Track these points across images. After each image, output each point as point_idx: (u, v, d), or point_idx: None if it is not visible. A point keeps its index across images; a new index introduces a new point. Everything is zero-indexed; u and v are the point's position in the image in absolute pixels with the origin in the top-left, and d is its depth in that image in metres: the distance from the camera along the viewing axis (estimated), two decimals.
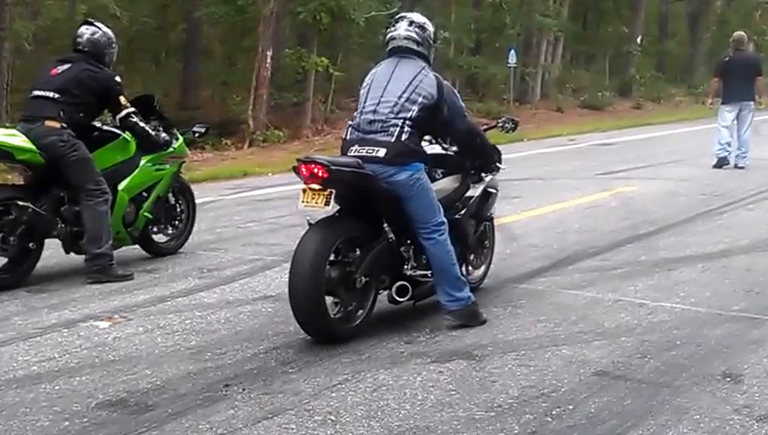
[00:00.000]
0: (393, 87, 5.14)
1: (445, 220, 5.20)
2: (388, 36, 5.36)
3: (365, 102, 5.20)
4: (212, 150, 16.85)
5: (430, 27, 5.41)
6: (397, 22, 5.41)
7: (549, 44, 30.84)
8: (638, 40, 34.47)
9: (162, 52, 26.33)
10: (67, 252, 6.71)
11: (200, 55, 23.90)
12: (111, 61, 6.93)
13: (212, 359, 4.72)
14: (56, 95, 6.45)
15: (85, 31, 6.79)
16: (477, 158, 5.78)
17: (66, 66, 6.61)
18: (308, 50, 20.31)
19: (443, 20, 24.76)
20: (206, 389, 4.27)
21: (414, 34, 5.30)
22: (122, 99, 6.74)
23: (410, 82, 5.12)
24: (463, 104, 5.46)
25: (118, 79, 6.79)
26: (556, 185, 11.84)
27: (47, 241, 6.56)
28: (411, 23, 5.35)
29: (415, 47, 5.29)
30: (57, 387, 4.31)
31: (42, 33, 19.48)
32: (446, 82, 5.32)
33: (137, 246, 7.27)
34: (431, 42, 5.39)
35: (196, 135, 7.96)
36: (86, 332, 5.23)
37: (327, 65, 20.02)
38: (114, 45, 6.92)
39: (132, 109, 6.81)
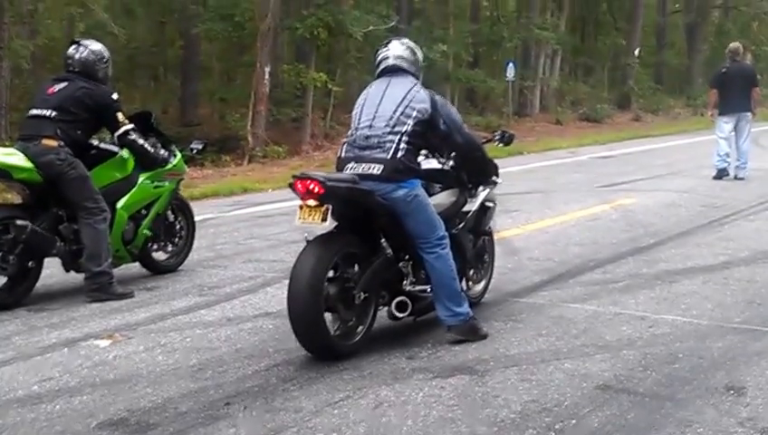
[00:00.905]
0: (387, 103, 5.16)
1: (446, 234, 5.20)
2: (380, 57, 5.44)
3: (359, 119, 5.23)
4: (212, 167, 16.86)
5: (419, 52, 5.53)
6: (387, 44, 5.50)
7: (547, 57, 30.97)
8: (636, 52, 34.58)
9: (160, 68, 26.39)
10: (67, 270, 6.69)
11: (199, 72, 23.95)
12: (106, 76, 6.90)
13: (213, 377, 4.71)
14: (53, 113, 6.45)
15: (73, 52, 6.77)
16: (476, 171, 5.78)
17: (63, 84, 6.61)
18: (306, 65, 20.37)
19: (441, 34, 24.85)
20: (207, 407, 4.25)
21: (405, 54, 5.38)
22: (120, 115, 6.73)
23: (404, 97, 5.15)
24: (459, 118, 5.46)
25: (115, 96, 6.78)
26: (557, 198, 11.82)
27: (47, 260, 6.54)
28: (402, 44, 5.45)
29: (406, 66, 5.35)
30: (57, 407, 4.30)
31: (40, 52, 19.53)
32: (439, 97, 5.33)
33: (137, 264, 7.25)
34: (420, 64, 5.48)
35: (194, 151, 7.95)
36: (86, 351, 5.22)
37: (325, 81, 20.07)
38: (105, 60, 6.86)
39: (131, 126, 6.79)
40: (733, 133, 13.71)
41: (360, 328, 5.06)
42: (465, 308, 5.28)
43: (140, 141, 6.85)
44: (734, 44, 14.60)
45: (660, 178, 13.87)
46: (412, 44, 5.51)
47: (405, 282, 5.26)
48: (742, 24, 39.88)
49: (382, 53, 5.43)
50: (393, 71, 5.34)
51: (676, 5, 42.52)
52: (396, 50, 5.40)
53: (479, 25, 30.21)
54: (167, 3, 22.90)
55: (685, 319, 5.70)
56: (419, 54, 5.51)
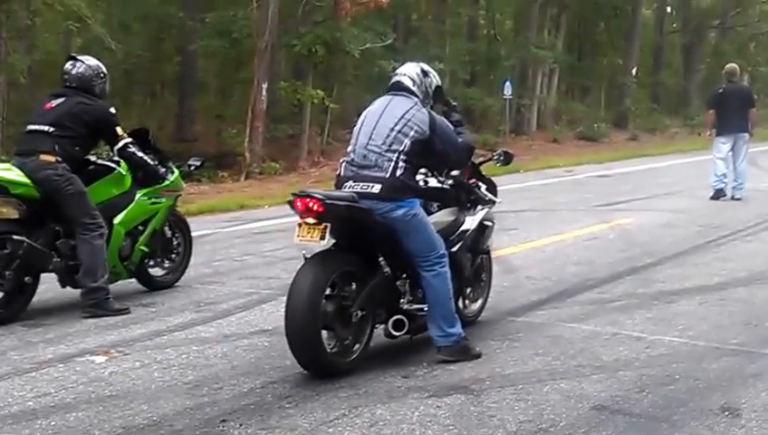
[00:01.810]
0: (386, 121, 5.19)
1: (446, 253, 5.21)
2: (393, 73, 5.51)
3: (358, 137, 5.25)
4: (208, 183, 16.86)
5: (435, 79, 5.52)
6: (408, 62, 5.58)
7: (544, 76, 31.05)
8: (633, 71, 34.68)
9: (157, 84, 26.41)
10: (63, 286, 6.67)
11: (196, 88, 23.97)
12: (104, 91, 6.89)
13: (209, 394, 4.69)
14: (51, 129, 6.45)
15: (70, 67, 6.77)
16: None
17: (60, 100, 6.61)
18: (303, 82, 20.42)
19: (438, 52, 24.93)
20: (202, 424, 4.24)
21: (414, 76, 5.41)
22: (119, 129, 6.73)
23: (402, 116, 5.17)
24: (452, 132, 5.46)
25: (112, 110, 6.78)
26: (554, 216, 11.85)
27: (43, 275, 6.53)
28: (419, 66, 5.49)
29: (410, 84, 5.36)
30: (53, 423, 4.28)
31: (37, 67, 19.54)
32: (439, 118, 5.34)
33: (133, 280, 7.24)
34: (430, 90, 5.46)
35: (192, 168, 7.95)
36: (82, 367, 5.20)
37: (322, 97, 20.11)
38: (103, 75, 6.86)
39: (129, 139, 6.80)
40: (730, 154, 13.74)
41: (357, 346, 5.06)
42: (458, 329, 5.27)
43: (140, 154, 6.86)
44: (731, 65, 14.64)
45: (657, 198, 13.90)
46: (425, 69, 5.52)
47: (402, 300, 5.25)
48: (739, 45, 40.09)
49: (396, 70, 5.52)
50: (397, 89, 5.37)
51: (674, 25, 42.74)
52: (405, 70, 5.45)
53: (476, 44, 30.33)
54: (165, 19, 22.95)
55: (681, 340, 5.69)
56: (433, 79, 5.50)
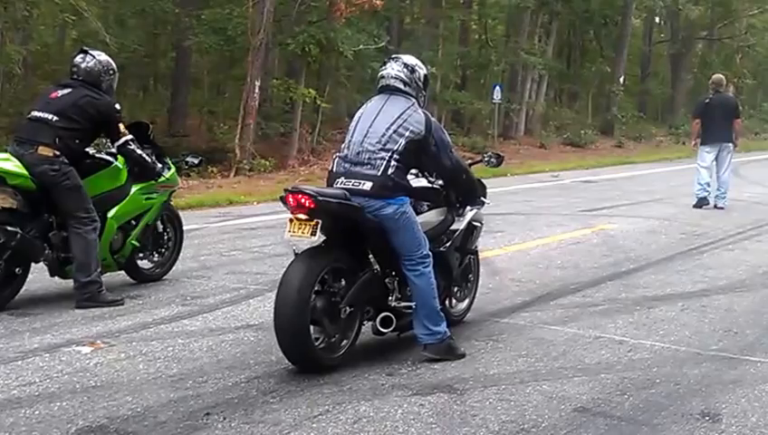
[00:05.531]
0: (382, 120, 5.21)
1: (429, 253, 5.25)
2: (379, 75, 5.48)
3: (353, 134, 5.27)
4: (198, 178, 16.81)
5: (421, 70, 5.50)
6: (389, 61, 5.52)
7: (533, 82, 31.14)
8: (621, 80, 34.80)
9: (150, 79, 26.35)
10: (52, 275, 6.67)
11: (189, 83, 23.93)
12: (111, 87, 6.89)
13: (193, 387, 4.72)
14: (54, 118, 6.42)
15: (80, 61, 6.76)
16: (463, 192, 5.83)
17: (67, 91, 6.60)
18: (296, 81, 20.43)
19: (430, 55, 24.99)
20: (186, 417, 4.26)
21: (402, 75, 5.39)
22: (121, 126, 6.73)
23: (399, 116, 5.19)
24: (450, 141, 5.52)
25: (117, 106, 6.75)
26: (539, 220, 11.91)
27: (32, 265, 6.53)
28: (403, 64, 5.45)
29: (401, 86, 5.37)
30: (37, 412, 4.30)
31: (32, 58, 19.48)
32: (434, 120, 5.38)
33: (121, 272, 7.24)
34: (420, 84, 5.47)
35: (189, 165, 7.98)
36: (68, 357, 5.22)
37: (314, 96, 20.13)
38: (112, 72, 6.86)
39: (131, 136, 6.78)
40: (714, 163, 13.86)
41: (344, 342, 5.10)
42: (443, 328, 5.31)
43: (139, 152, 6.85)
44: (718, 76, 14.78)
45: (641, 205, 13.98)
46: (413, 62, 5.49)
47: (390, 298, 5.30)
48: (725, 57, 40.33)
49: (382, 71, 5.47)
50: (392, 89, 5.38)
51: (662, 36, 42.93)
52: (394, 69, 5.41)
53: (468, 48, 30.42)
54: (160, 14, 22.91)
55: (663, 345, 5.75)
56: (420, 72, 5.48)
